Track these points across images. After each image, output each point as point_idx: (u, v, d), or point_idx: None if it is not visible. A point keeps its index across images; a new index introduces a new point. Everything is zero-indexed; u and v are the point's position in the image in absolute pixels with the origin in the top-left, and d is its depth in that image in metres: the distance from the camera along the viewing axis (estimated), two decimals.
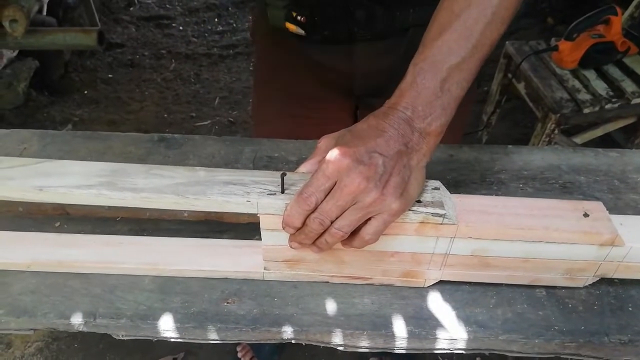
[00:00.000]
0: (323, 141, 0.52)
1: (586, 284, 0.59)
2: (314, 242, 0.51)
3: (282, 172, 0.53)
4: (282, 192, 0.52)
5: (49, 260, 0.61)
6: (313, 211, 0.48)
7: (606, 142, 1.95)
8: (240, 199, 0.52)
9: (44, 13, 2.37)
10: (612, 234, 0.53)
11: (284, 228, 0.50)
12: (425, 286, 0.60)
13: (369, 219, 0.48)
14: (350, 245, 0.51)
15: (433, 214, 0.51)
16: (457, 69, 0.50)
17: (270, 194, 0.52)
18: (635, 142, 1.85)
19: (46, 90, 2.50)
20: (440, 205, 0.52)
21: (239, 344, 1.49)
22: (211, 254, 0.62)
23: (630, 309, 0.58)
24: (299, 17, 0.77)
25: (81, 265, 0.61)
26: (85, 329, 0.56)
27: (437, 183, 0.55)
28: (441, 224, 0.52)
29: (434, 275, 0.59)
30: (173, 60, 2.83)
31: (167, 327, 0.56)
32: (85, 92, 2.56)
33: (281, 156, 0.78)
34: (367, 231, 0.49)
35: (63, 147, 0.78)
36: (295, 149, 0.79)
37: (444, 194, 0.54)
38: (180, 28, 3.11)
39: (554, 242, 0.54)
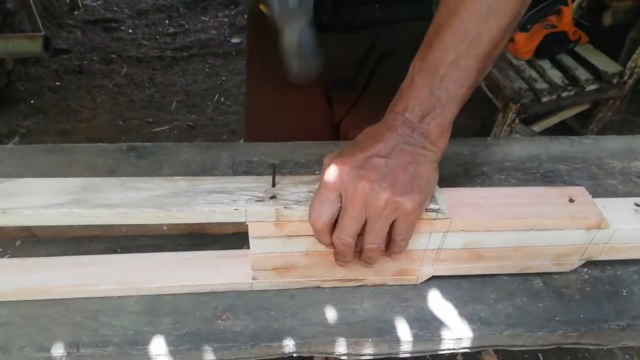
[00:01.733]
0: (327, 159, 0.50)
1: (572, 268, 0.60)
2: (360, 259, 0.50)
3: (272, 163, 0.51)
4: (273, 185, 0.51)
5: (14, 288, 0.55)
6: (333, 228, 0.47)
7: (561, 129, 2.02)
8: (227, 208, 0.49)
9: None
10: (598, 218, 0.54)
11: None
12: (417, 283, 0.58)
13: (393, 223, 0.47)
14: (392, 253, 0.50)
15: (427, 209, 0.50)
16: (454, 67, 0.49)
17: (259, 201, 0.50)
18: (589, 128, 1.92)
19: None
20: (433, 199, 0.51)
21: None
22: (195, 267, 0.59)
23: (624, 293, 0.59)
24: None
25: (52, 291, 0.55)
26: None
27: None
28: (435, 219, 0.51)
29: (427, 271, 0.58)
30: (124, 65, 2.72)
31: (159, 351, 0.52)
32: (32, 101, 2.42)
33: (260, 160, 0.75)
34: (397, 233, 0.48)
35: (22, 162, 0.72)
36: (275, 151, 0.76)
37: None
38: (130, 31, 2.99)
39: (544, 229, 0.54)
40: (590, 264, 0.61)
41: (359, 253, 0.50)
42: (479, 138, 0.82)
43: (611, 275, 0.61)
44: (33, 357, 0.51)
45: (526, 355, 1.47)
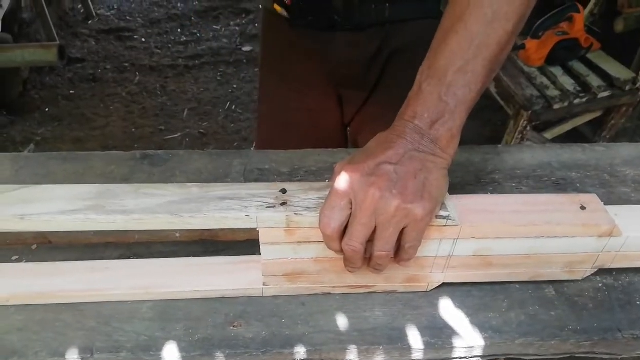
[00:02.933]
0: (337, 166, 0.50)
1: (585, 277, 0.59)
2: (369, 265, 0.51)
3: (281, 189, 0.52)
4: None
5: (29, 292, 0.56)
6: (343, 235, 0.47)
7: (573, 136, 2.00)
8: (239, 214, 0.50)
9: None
10: (610, 225, 0.54)
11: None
12: (428, 290, 0.58)
13: (403, 230, 0.47)
14: (401, 261, 0.50)
15: (437, 216, 0.50)
16: (462, 72, 0.50)
17: (269, 207, 0.50)
18: (602, 135, 1.91)
19: (4, 109, 2.38)
20: (443, 207, 0.51)
21: None
22: (206, 273, 0.59)
23: (638, 302, 0.58)
24: (286, 0, 0.80)
25: (66, 295, 0.56)
26: None
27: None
28: (445, 225, 0.51)
29: (437, 278, 0.57)
30: (137, 73, 2.75)
31: (171, 357, 0.52)
32: (47, 109, 2.46)
33: (272, 168, 0.75)
34: (406, 241, 0.48)
35: (38, 171, 0.73)
36: (287, 159, 0.76)
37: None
38: (143, 40, 3.04)
39: (556, 237, 0.54)
40: (603, 272, 0.61)
41: (369, 260, 0.50)
42: (491, 145, 0.82)
43: (624, 284, 0.60)
44: None
45: None
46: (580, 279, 0.60)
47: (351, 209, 0.47)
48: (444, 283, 0.58)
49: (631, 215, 0.57)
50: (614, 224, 0.54)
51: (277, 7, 0.83)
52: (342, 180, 0.47)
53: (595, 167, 0.77)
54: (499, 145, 0.82)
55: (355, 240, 0.47)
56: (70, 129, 2.35)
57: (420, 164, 0.48)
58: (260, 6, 1.00)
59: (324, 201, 0.49)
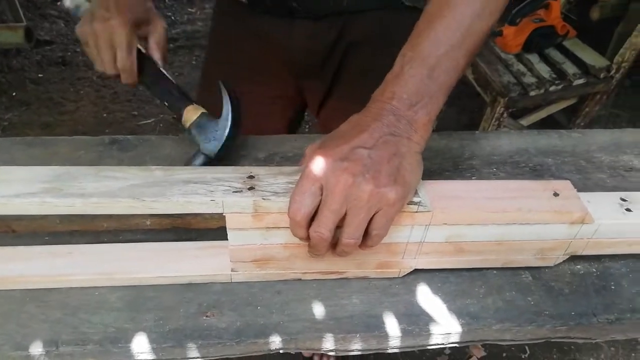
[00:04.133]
0: (309, 149, 0.49)
1: (556, 263, 0.60)
2: (335, 252, 0.49)
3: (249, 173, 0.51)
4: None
5: None
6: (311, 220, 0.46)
7: (549, 123, 2.02)
8: (204, 199, 0.48)
9: None
10: (583, 212, 0.53)
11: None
12: (400, 276, 0.58)
13: (373, 216, 0.46)
14: (366, 246, 0.49)
15: (408, 202, 0.49)
16: (446, 57, 0.49)
17: (236, 192, 0.49)
18: (576, 122, 1.93)
19: None
20: (415, 193, 0.50)
21: None
22: (174, 258, 0.57)
23: (612, 287, 0.59)
24: None
25: (27, 280, 0.54)
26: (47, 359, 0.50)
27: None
28: (416, 212, 0.50)
29: (409, 264, 0.57)
30: None
31: (141, 349, 0.50)
32: (14, 93, 2.37)
33: (248, 154, 0.73)
34: (374, 227, 0.47)
35: (1, 157, 0.70)
36: (263, 145, 0.75)
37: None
38: None
39: (527, 224, 0.53)
40: (578, 258, 0.61)
41: (334, 245, 0.49)
42: (468, 132, 0.81)
43: (600, 269, 0.61)
44: (10, 355, 0.49)
45: (513, 348, 1.48)
46: (552, 265, 0.60)
47: (322, 194, 0.45)
48: (420, 269, 0.58)
49: (604, 202, 0.57)
50: (586, 212, 0.53)
51: None
52: (314, 165, 0.45)
53: (572, 153, 0.78)
54: (477, 132, 0.81)
55: (324, 227, 0.45)
56: (38, 114, 2.27)
57: (395, 147, 0.46)
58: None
59: (293, 186, 0.47)
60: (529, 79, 1.70)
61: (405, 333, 0.53)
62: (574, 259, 0.60)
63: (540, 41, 1.78)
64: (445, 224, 0.52)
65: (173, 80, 0.72)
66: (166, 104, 0.71)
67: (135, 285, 0.55)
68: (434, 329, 0.53)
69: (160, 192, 0.48)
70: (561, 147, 0.79)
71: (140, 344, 0.50)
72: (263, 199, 0.48)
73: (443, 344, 0.55)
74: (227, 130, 0.66)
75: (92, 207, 0.48)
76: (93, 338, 0.50)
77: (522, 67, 1.76)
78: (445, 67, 0.48)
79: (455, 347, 0.59)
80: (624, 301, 0.57)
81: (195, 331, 0.52)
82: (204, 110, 0.69)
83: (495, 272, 0.59)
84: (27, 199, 0.47)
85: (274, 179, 0.50)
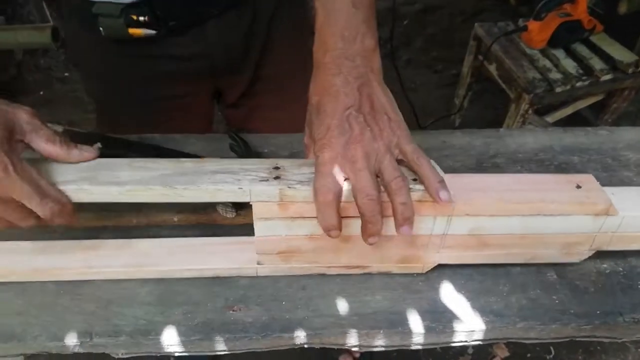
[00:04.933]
0: (305, 139, 0.52)
1: (582, 259, 0.59)
2: (395, 213, 0.48)
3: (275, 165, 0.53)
4: None
5: (27, 268, 0.56)
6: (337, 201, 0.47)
7: (575, 120, 1.99)
8: (232, 187, 0.50)
9: None
10: (606, 203, 0.53)
11: (329, 235, 0.49)
12: (424, 271, 0.58)
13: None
14: (397, 209, 0.48)
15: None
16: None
17: (263, 180, 0.50)
18: (604, 119, 1.89)
19: None
20: None
21: None
22: (201, 252, 0.59)
23: (639, 286, 0.58)
24: (140, 18, 0.71)
25: (60, 273, 0.56)
26: (81, 350, 0.52)
27: (431, 162, 0.53)
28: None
29: (432, 259, 0.57)
30: None
31: (170, 341, 0.52)
32: (41, 92, 2.43)
33: (271, 151, 0.75)
34: (409, 158, 0.50)
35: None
36: (287, 142, 0.76)
37: (439, 172, 0.52)
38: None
39: (551, 215, 0.53)
40: (604, 256, 0.60)
41: (393, 211, 0.48)
42: (492, 129, 0.81)
43: (626, 268, 0.60)
44: (47, 346, 0.51)
45: (538, 348, 1.46)
46: (577, 261, 0.59)
47: (343, 172, 0.47)
48: (444, 265, 0.58)
49: (628, 196, 0.56)
50: (610, 203, 0.53)
51: (135, 31, 0.73)
52: (323, 150, 0.47)
53: (598, 151, 0.77)
54: (501, 129, 0.81)
55: (368, 188, 0.46)
56: (65, 112, 2.33)
57: (368, 88, 0.49)
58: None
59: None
60: (554, 75, 1.67)
61: (428, 330, 0.53)
62: (600, 256, 0.60)
63: (566, 36, 1.75)
64: (468, 215, 0.52)
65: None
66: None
67: (164, 280, 0.57)
68: (457, 326, 0.54)
69: (191, 180, 0.50)
70: (587, 145, 0.78)
71: (170, 337, 0.52)
72: (289, 187, 0.49)
73: (466, 341, 0.55)
74: None
75: (126, 195, 0.50)
76: (125, 330, 0.52)
77: (547, 63, 1.73)
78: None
79: (479, 346, 0.59)
80: None
81: (222, 325, 0.53)
82: None
83: (519, 269, 0.59)
84: (65, 186, 0.49)
85: (298, 170, 0.52)
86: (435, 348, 1.46)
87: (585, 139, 0.79)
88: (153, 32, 0.73)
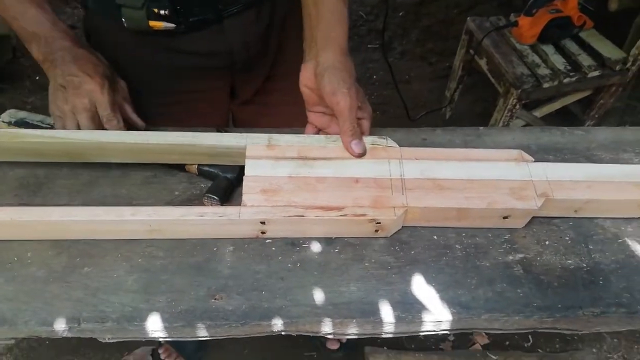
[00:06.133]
0: (341, 89, 0.65)
1: (538, 205, 0.63)
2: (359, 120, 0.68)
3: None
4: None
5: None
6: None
7: (563, 114, 2.02)
8: (233, 136, 0.68)
9: None
10: (518, 152, 0.69)
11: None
12: (396, 216, 0.61)
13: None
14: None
15: (378, 138, 0.69)
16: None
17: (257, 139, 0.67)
18: (590, 115, 1.92)
19: None
20: (382, 137, 0.69)
21: (160, 345, 1.47)
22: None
23: (601, 282, 0.61)
24: (162, 12, 0.74)
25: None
26: (69, 335, 0.55)
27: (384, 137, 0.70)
28: (386, 146, 0.68)
29: (401, 201, 0.62)
30: None
31: (154, 327, 0.55)
32: (37, 77, 2.43)
33: None
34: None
35: None
36: None
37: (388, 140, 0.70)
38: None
39: (478, 160, 0.68)
40: (570, 252, 0.64)
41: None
42: (472, 127, 0.83)
43: (590, 264, 0.63)
44: (37, 330, 0.54)
45: (516, 337, 1.51)
46: (536, 207, 0.63)
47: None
48: (418, 260, 0.61)
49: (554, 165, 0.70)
50: (520, 151, 0.69)
51: (155, 24, 0.75)
52: (350, 97, 0.65)
53: (572, 151, 0.80)
54: (481, 128, 0.84)
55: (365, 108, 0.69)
56: None
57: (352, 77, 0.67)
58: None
59: (299, 138, 0.68)
60: (543, 71, 1.70)
61: (398, 320, 0.57)
62: (566, 253, 0.63)
63: (556, 32, 1.77)
64: (416, 159, 0.67)
65: None
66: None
67: (150, 269, 0.60)
68: (425, 317, 0.57)
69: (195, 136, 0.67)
70: (563, 144, 0.81)
71: (154, 323, 0.55)
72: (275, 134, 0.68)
73: (434, 330, 0.58)
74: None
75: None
76: (111, 316, 0.55)
77: (536, 58, 1.75)
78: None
79: (459, 333, 0.62)
80: (610, 296, 0.60)
81: (204, 312, 0.56)
82: None
83: (488, 264, 0.62)
84: None
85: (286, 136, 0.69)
86: (418, 335, 1.51)
87: (561, 139, 0.82)
88: (173, 25, 0.76)
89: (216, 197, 0.66)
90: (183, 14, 0.77)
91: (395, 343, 1.47)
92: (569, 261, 0.64)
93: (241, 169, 0.67)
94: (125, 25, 0.76)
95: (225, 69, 0.90)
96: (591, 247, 0.65)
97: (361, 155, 0.67)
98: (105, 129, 0.69)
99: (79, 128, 0.68)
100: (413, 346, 1.48)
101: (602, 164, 0.73)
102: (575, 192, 0.65)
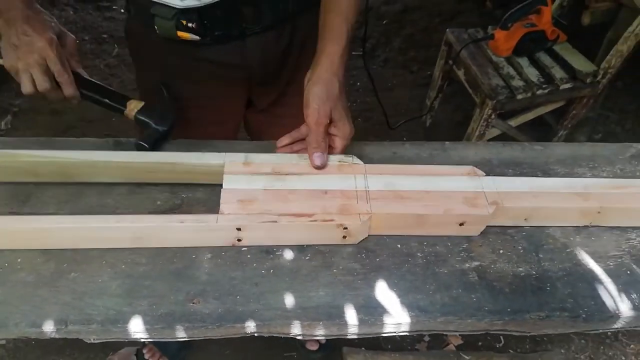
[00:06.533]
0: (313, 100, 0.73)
1: (490, 212, 0.70)
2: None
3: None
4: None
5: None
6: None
7: (538, 123, 2.09)
8: (213, 155, 0.74)
9: None
10: (471, 168, 0.76)
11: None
12: (361, 221, 0.67)
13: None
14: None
15: (345, 156, 0.76)
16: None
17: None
18: (564, 124, 2.00)
19: None
20: (349, 155, 0.77)
21: (144, 345, 1.52)
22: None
23: (548, 288, 0.67)
24: (189, 24, 0.82)
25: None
26: (57, 336, 0.59)
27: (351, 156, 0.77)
28: (352, 163, 0.75)
29: (365, 208, 0.68)
30: (116, 45, 2.75)
31: (136, 329, 0.60)
32: None
33: None
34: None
35: None
36: None
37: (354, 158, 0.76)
38: (122, 11, 3.01)
39: (434, 175, 0.75)
40: (521, 261, 0.69)
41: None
42: (439, 142, 0.89)
43: (539, 272, 0.69)
44: (27, 331, 0.59)
45: (489, 337, 1.57)
46: (488, 214, 0.70)
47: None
48: (382, 267, 0.67)
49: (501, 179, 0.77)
50: (473, 167, 0.77)
51: (183, 34, 0.83)
52: (321, 114, 0.73)
53: (531, 165, 0.86)
54: (447, 142, 0.89)
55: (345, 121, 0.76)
56: (47, 101, 2.35)
57: (332, 95, 0.74)
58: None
59: (274, 156, 0.76)
60: (517, 82, 1.77)
61: (361, 322, 0.62)
62: (518, 261, 0.69)
63: (530, 46, 1.84)
64: (380, 174, 0.74)
65: (102, 83, 0.84)
66: (111, 103, 0.83)
67: (133, 275, 0.64)
68: (386, 319, 0.62)
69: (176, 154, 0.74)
70: (522, 159, 0.87)
71: (136, 325, 0.60)
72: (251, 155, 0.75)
73: (394, 332, 0.64)
74: (174, 108, 0.84)
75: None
76: (96, 319, 0.60)
77: (511, 71, 1.82)
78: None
79: (434, 334, 0.68)
80: (555, 301, 0.66)
81: (183, 315, 0.61)
82: (143, 102, 0.83)
83: (446, 272, 0.68)
84: None
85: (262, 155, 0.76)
86: (395, 335, 1.56)
87: (520, 153, 0.88)
88: (198, 37, 0.84)
89: (146, 145, 0.76)
90: (209, 28, 0.84)
91: (373, 344, 1.52)
92: (520, 269, 0.69)
93: (173, 122, 0.79)
94: (157, 32, 0.84)
95: (243, 80, 0.97)
96: (541, 255, 0.71)
97: (320, 167, 0.73)
98: (58, 82, 0.78)
99: (33, 82, 0.77)
100: (390, 347, 1.54)
101: (548, 178, 0.79)
102: (522, 201, 0.72)
